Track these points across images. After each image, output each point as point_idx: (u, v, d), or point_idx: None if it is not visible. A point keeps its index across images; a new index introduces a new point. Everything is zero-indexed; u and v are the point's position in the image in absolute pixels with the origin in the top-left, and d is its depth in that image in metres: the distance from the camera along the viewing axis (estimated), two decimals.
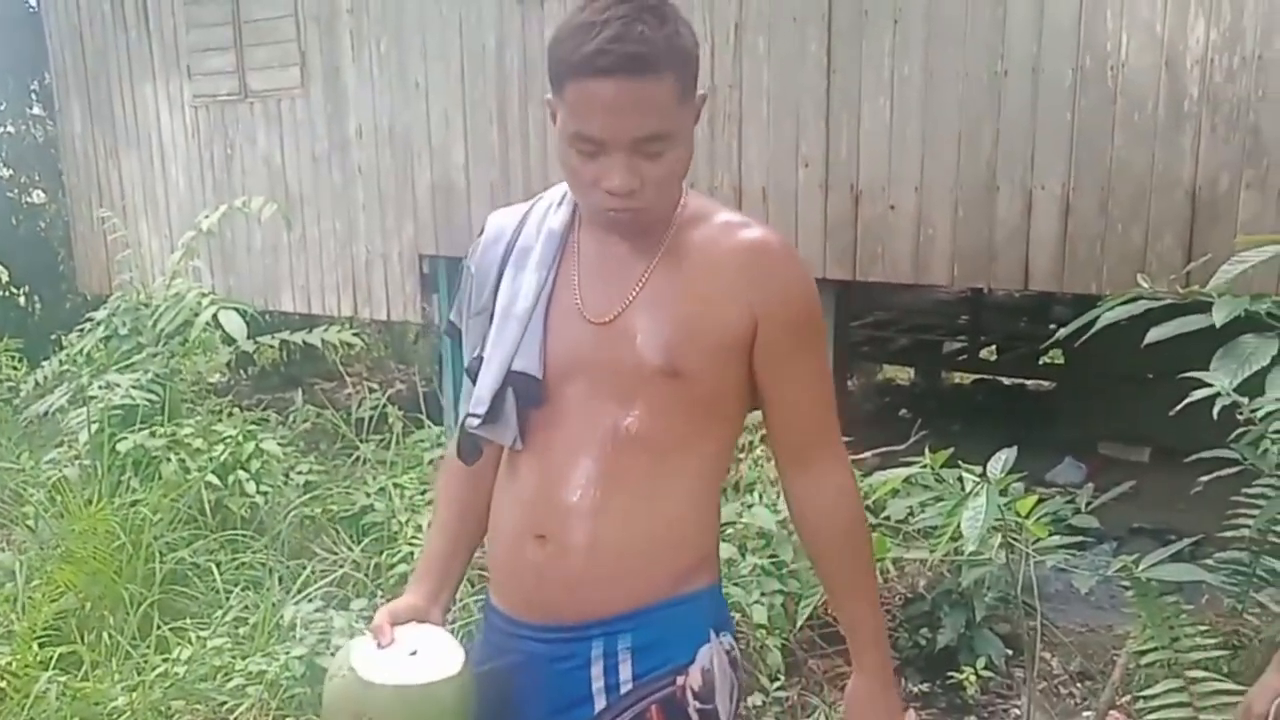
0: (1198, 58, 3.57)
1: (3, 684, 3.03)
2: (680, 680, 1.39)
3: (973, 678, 3.33)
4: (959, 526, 2.71)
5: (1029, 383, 6.94)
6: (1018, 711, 3.32)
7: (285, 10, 5.93)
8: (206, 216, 4.90)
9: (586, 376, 1.39)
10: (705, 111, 1.53)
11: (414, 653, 1.39)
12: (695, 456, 1.41)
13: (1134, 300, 2.49)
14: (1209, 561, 2.90)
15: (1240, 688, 2.11)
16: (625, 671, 1.39)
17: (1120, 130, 3.73)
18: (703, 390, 1.38)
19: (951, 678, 3.37)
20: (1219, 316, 2.33)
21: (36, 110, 8.18)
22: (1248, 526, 2.90)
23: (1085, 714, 3.28)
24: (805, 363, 1.41)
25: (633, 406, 1.37)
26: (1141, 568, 2.63)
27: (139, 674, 3.11)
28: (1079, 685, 3.47)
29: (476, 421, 1.43)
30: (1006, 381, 7.03)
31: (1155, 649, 2.57)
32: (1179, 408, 2.47)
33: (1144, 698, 2.58)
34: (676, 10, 1.32)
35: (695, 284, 1.37)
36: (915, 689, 3.44)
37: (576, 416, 1.39)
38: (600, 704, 1.39)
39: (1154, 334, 2.41)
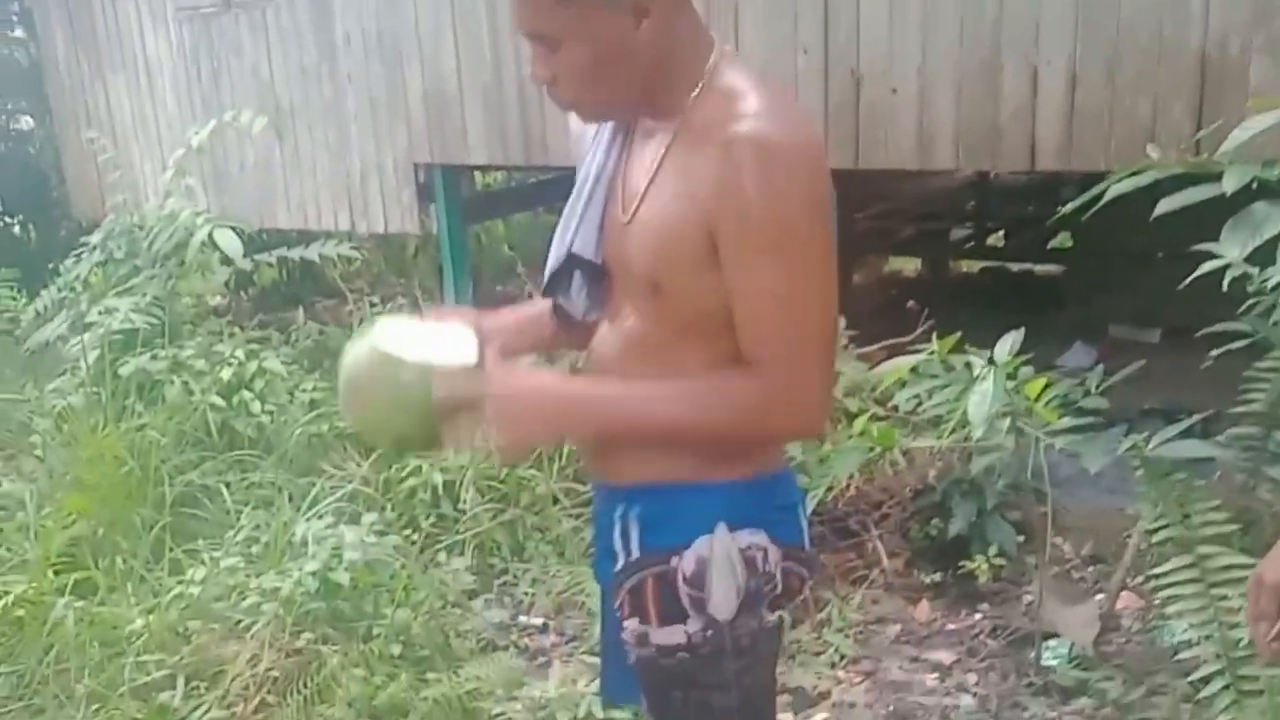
0: None
1: (21, 611, 3.07)
2: (674, 561, 1.44)
3: (984, 566, 3.34)
4: (967, 412, 2.69)
5: (1037, 268, 6.85)
6: (1030, 597, 3.33)
7: None
8: (196, 133, 4.81)
9: (617, 269, 1.46)
10: (700, 2, 1.45)
11: (437, 342, 1.48)
12: (697, 363, 1.39)
13: (1142, 171, 2.43)
14: (1220, 439, 2.87)
15: (1252, 560, 2.09)
16: (634, 539, 1.48)
17: None
18: (688, 309, 1.36)
19: (963, 567, 3.38)
20: (1229, 184, 2.27)
21: (18, 34, 7.99)
22: (1259, 401, 2.87)
23: (1098, 596, 3.29)
24: (759, 270, 1.29)
25: (629, 312, 1.44)
26: (1151, 446, 2.61)
27: (154, 596, 3.14)
28: (1091, 568, 3.48)
29: (542, 291, 1.53)
30: (1014, 268, 6.94)
31: (1166, 526, 2.56)
32: (1187, 281, 2.42)
33: (1155, 576, 2.58)
34: None
35: (689, 180, 1.32)
36: (927, 579, 3.46)
37: (613, 305, 1.49)
38: (619, 563, 1.50)
39: (1163, 205, 2.35)
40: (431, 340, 1.48)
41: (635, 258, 1.38)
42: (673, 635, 1.45)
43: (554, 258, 1.49)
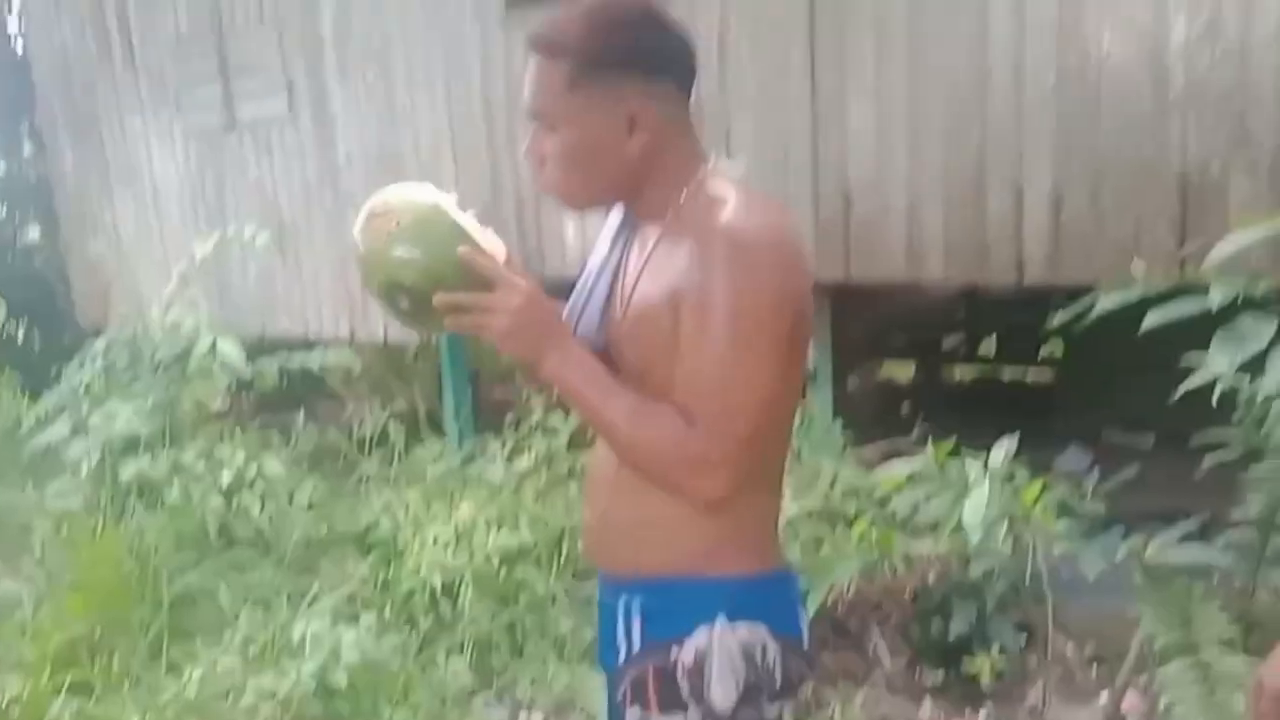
0: (1179, 50, 3.59)
1: (16, 712, 3.03)
2: (675, 651, 1.46)
3: (987, 666, 3.33)
4: (963, 517, 2.73)
5: (1030, 375, 6.94)
6: (1033, 698, 3.32)
7: (270, 41, 5.95)
8: (200, 246, 4.92)
9: (615, 357, 1.50)
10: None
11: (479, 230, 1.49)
12: None
13: (1130, 287, 2.51)
14: (1218, 543, 2.91)
15: (1254, 662, 2.11)
16: (636, 631, 1.51)
17: (1107, 123, 3.75)
18: (675, 397, 1.41)
19: (965, 667, 3.37)
20: (1215, 299, 2.34)
21: (28, 150, 8.24)
22: (1256, 506, 2.91)
23: (1102, 697, 3.29)
24: (707, 339, 1.35)
25: None
26: (1150, 551, 2.64)
27: (151, 696, 3.11)
28: (1095, 669, 3.47)
29: None
30: (1007, 375, 7.04)
31: (1168, 631, 2.57)
32: (1179, 392, 2.48)
33: (1159, 678, 2.58)
34: (643, 16, 1.42)
35: (668, 272, 1.41)
36: (929, 679, 3.44)
37: None
38: (622, 654, 1.53)
39: (1151, 318, 2.42)
40: (474, 225, 1.48)
41: (625, 347, 1.47)
42: None
43: None
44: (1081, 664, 3.51)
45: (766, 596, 1.51)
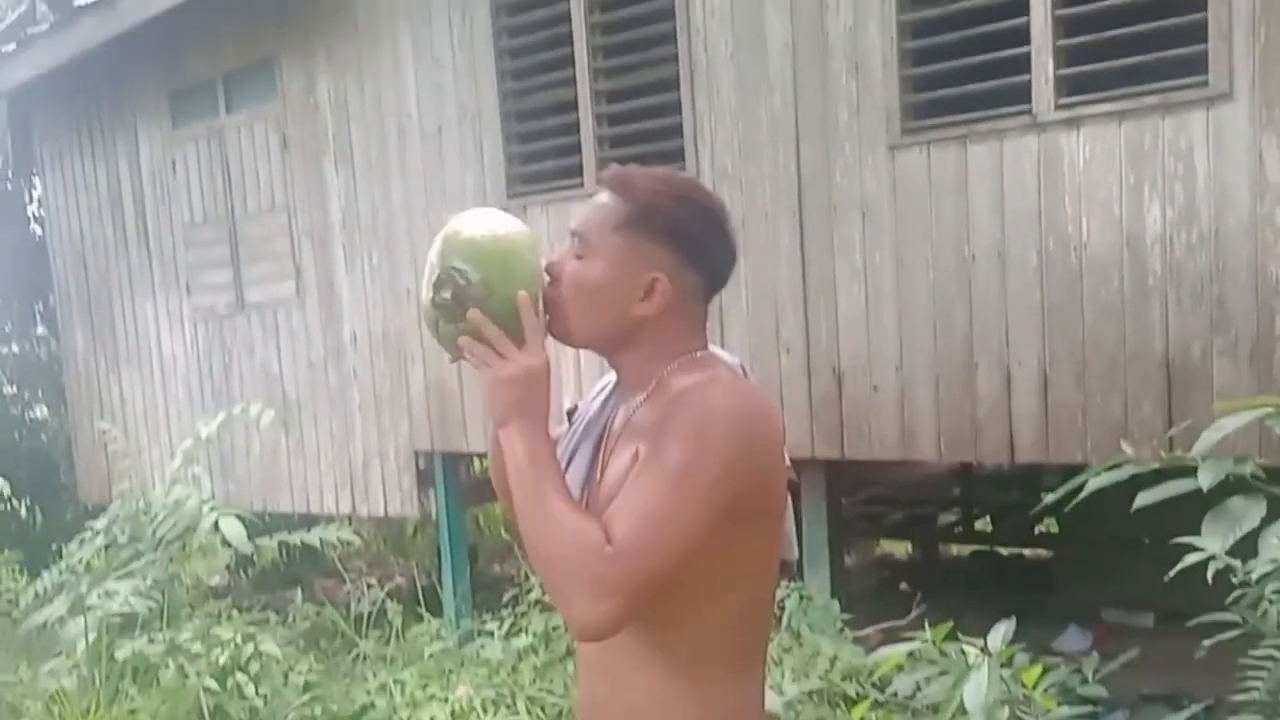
0: (1156, 236, 3.74)
1: None
2: None
3: None
4: (963, 701, 2.71)
5: (1026, 552, 6.93)
6: None
7: (280, 227, 6.19)
8: (205, 425, 5.01)
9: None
10: None
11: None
12: (673, 635, 1.45)
13: (1119, 466, 2.57)
14: None
15: None
16: None
17: (1089, 306, 3.88)
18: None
19: None
20: (1205, 480, 2.40)
21: (40, 330, 8.46)
22: (1258, 690, 2.90)
23: None
24: (649, 475, 1.36)
25: None
26: None
27: None
28: None
29: None
30: (1004, 552, 7.03)
31: None
32: (1173, 573, 2.51)
33: None
34: (708, 211, 1.52)
35: (640, 433, 1.44)
36: None
37: None
38: None
39: (1142, 499, 2.46)
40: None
41: (603, 508, 1.45)
42: None
43: None
44: None
45: None
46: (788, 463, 1.51)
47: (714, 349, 1.56)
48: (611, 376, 1.61)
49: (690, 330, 1.52)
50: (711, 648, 1.46)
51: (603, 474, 1.49)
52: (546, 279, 1.48)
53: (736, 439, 1.36)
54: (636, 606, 1.34)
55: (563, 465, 1.52)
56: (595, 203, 1.50)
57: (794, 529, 1.59)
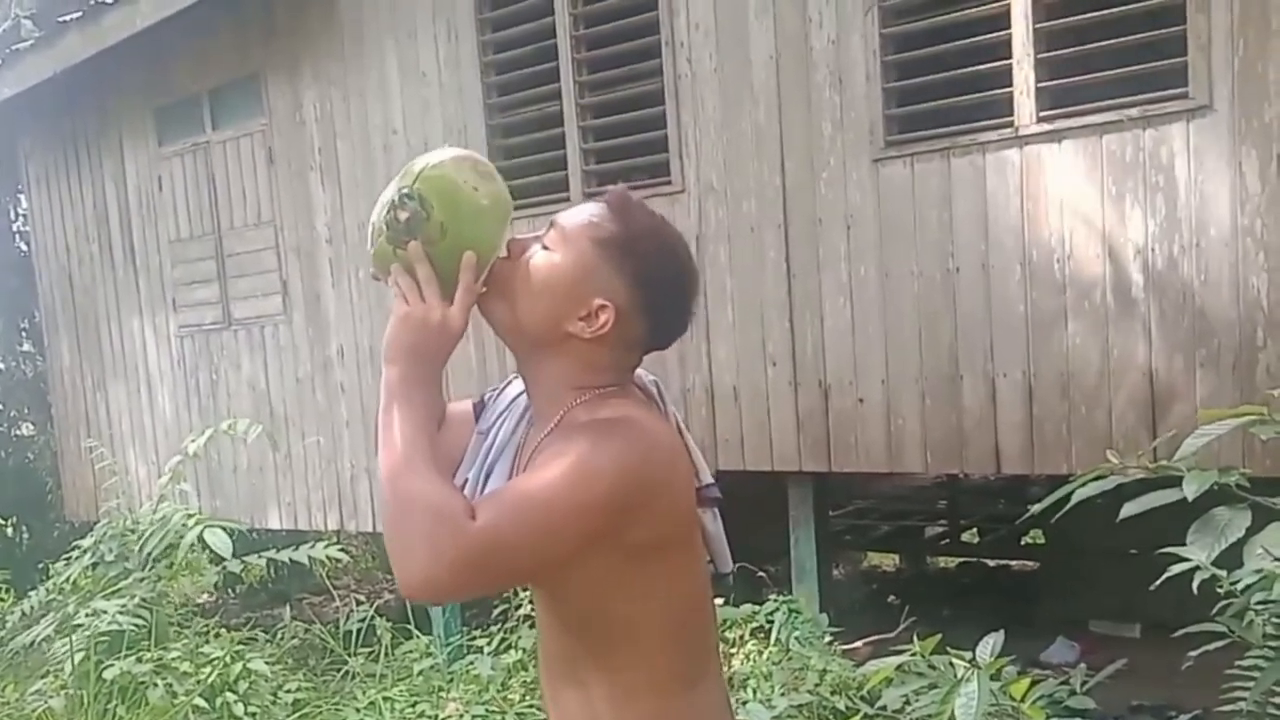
0: (1139, 248, 3.77)
1: None
2: None
3: None
4: (954, 714, 2.72)
5: (1013, 563, 6.95)
6: None
7: (267, 243, 6.19)
8: (193, 441, 4.99)
9: None
10: None
11: None
12: (617, 665, 1.45)
13: (1104, 477, 2.59)
14: None
15: None
16: None
17: (1073, 318, 3.90)
18: (580, 603, 1.43)
19: None
20: (1190, 490, 2.41)
21: (26, 347, 8.42)
22: (1246, 700, 2.91)
23: None
24: (533, 473, 1.35)
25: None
26: None
27: None
28: None
29: None
30: (991, 563, 7.05)
31: None
32: (1158, 583, 2.53)
33: None
34: (679, 275, 1.47)
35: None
36: None
37: None
38: None
39: (1128, 509, 2.48)
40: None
41: None
42: None
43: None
44: None
45: None
46: (706, 481, 1.51)
47: (631, 384, 1.52)
48: (520, 387, 1.57)
49: (612, 371, 1.48)
50: (655, 674, 1.45)
51: None
52: (503, 253, 1.45)
53: (624, 476, 1.33)
54: (468, 587, 1.32)
55: (477, 474, 1.51)
56: (588, 208, 1.47)
57: (724, 540, 1.56)
